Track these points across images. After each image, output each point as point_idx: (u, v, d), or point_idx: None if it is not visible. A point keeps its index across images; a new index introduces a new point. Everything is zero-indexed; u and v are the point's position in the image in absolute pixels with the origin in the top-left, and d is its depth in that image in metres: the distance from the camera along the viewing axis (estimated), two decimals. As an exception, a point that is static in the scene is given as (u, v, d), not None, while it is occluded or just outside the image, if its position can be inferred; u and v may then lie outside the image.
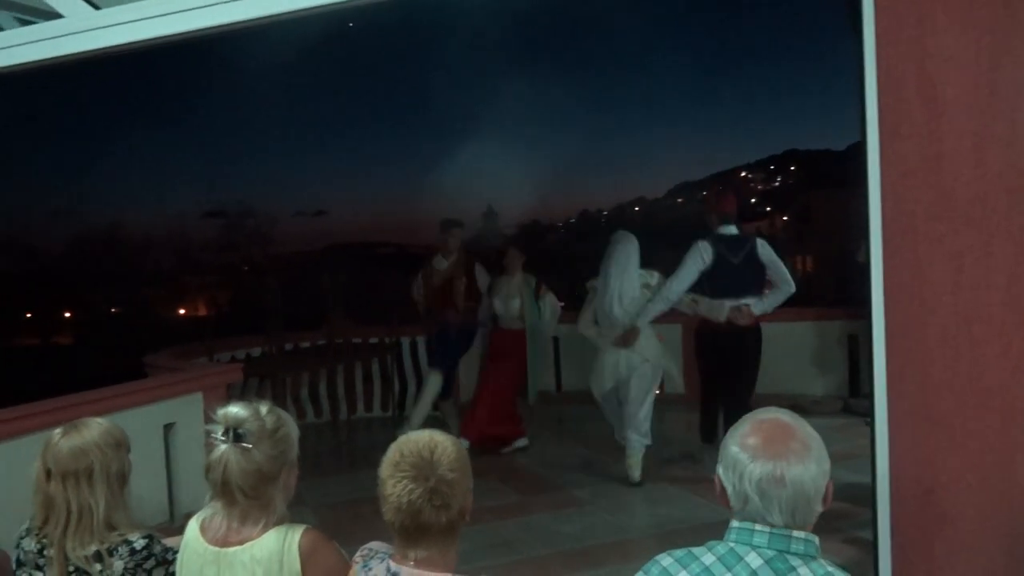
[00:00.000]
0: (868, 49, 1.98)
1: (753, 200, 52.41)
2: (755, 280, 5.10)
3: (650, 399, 5.29)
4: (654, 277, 5.32)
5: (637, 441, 5.20)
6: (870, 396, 2.03)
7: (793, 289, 5.11)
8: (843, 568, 1.49)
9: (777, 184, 54.40)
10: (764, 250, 5.09)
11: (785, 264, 5.21)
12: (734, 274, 5.03)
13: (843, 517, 4.21)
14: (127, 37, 2.77)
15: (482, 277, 6.57)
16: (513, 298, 6.28)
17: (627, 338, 5.23)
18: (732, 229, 5.15)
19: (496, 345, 6.40)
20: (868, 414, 2.06)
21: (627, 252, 5.33)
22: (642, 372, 5.27)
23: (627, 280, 5.28)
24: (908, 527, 1.97)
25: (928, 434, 1.94)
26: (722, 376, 5.17)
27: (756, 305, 5.05)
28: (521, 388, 6.44)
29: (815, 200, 38.90)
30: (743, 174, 56.07)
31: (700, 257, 5.04)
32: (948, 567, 1.93)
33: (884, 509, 2.00)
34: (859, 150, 2.06)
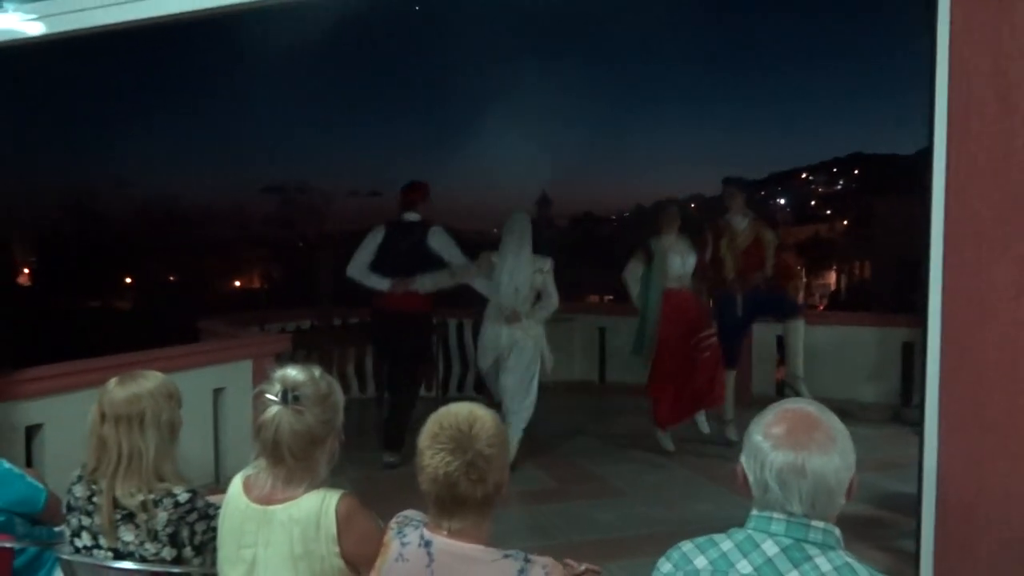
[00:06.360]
0: (941, 41, 1.91)
1: (813, 202, 51.24)
2: (420, 265, 5.40)
3: (533, 380, 5.32)
4: (547, 263, 5.32)
5: (514, 416, 5.20)
6: (921, 396, 1.98)
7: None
8: (863, 562, 1.45)
9: (839, 187, 53.03)
10: (435, 239, 5.41)
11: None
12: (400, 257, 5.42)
13: (885, 526, 4.13)
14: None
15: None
16: (689, 255, 5.73)
17: (511, 317, 5.30)
18: (413, 216, 5.52)
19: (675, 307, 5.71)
20: (917, 424, 2.01)
21: (522, 234, 5.31)
22: (523, 346, 5.28)
23: (520, 262, 5.26)
24: (952, 529, 1.93)
25: (978, 437, 1.89)
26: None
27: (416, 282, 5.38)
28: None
29: (879, 205, 37.74)
30: (803, 175, 54.81)
31: (373, 238, 5.51)
32: (991, 570, 1.88)
33: (929, 510, 1.95)
34: (926, 149, 2.00)
